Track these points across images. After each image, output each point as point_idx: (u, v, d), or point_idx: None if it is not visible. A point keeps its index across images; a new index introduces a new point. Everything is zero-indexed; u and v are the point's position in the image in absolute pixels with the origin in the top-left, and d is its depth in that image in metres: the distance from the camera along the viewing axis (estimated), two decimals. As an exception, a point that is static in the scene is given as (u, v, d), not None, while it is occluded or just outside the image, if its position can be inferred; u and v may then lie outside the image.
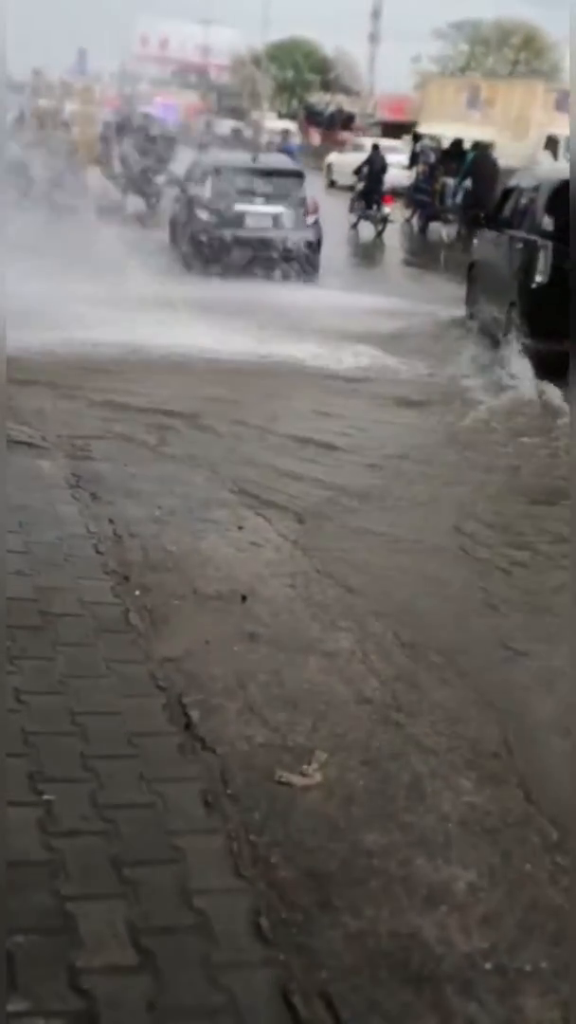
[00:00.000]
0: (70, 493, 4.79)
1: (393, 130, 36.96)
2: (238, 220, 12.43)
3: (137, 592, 3.81)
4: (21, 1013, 1.94)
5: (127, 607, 3.66)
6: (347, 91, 52.04)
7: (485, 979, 2.18)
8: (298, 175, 13.37)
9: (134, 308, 9.31)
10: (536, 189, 8.78)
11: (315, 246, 12.64)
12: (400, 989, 2.13)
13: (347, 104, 47.29)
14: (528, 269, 8.12)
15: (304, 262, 12.35)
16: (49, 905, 2.21)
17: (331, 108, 46.31)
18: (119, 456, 5.46)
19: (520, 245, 8.54)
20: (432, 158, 20.96)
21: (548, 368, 7.24)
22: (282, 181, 12.89)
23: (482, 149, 18.69)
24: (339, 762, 2.84)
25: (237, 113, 46.61)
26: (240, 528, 4.61)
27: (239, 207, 12.49)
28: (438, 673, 3.44)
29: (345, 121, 42.33)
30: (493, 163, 17.64)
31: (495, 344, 8.74)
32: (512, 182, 9.94)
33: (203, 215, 12.60)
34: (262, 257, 12.15)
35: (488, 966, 2.21)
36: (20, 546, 4.06)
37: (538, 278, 7.96)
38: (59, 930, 2.15)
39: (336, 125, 41.96)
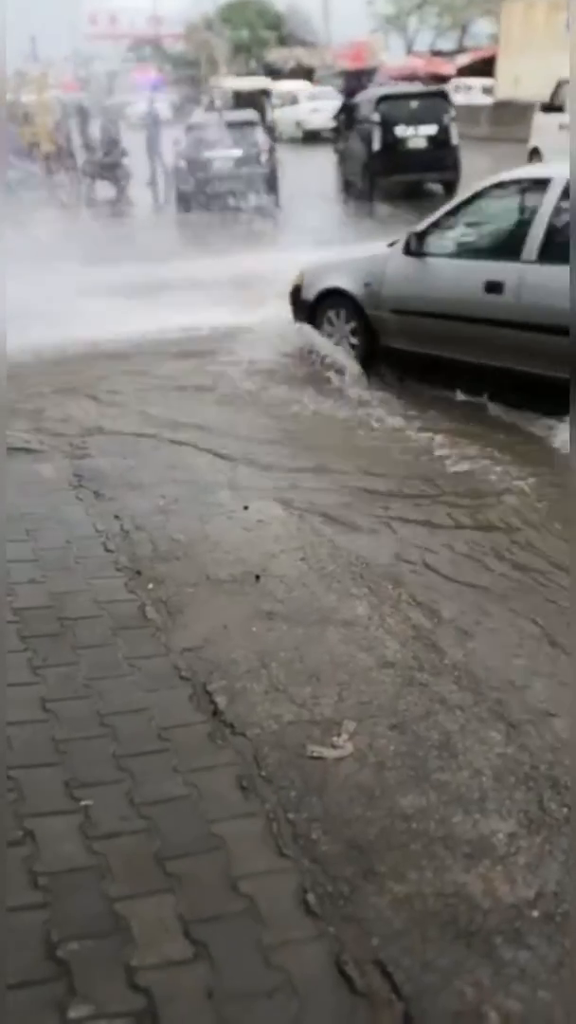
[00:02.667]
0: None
1: (355, 78, 36.37)
2: (207, 164, 16.51)
3: (150, 585, 3.82)
4: (83, 1018, 1.98)
5: (142, 602, 3.68)
6: (304, 44, 51.28)
7: (533, 927, 2.21)
8: (252, 124, 17.28)
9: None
10: (369, 100, 16.97)
11: (270, 176, 16.57)
12: (451, 946, 2.16)
13: (306, 57, 46.62)
14: (369, 143, 16.29)
15: (262, 189, 16.30)
16: (99, 908, 2.25)
17: (290, 64, 45.65)
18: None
19: (364, 132, 16.42)
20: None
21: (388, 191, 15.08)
22: (241, 130, 16.88)
23: None
24: (368, 730, 2.86)
25: (195, 80, 45.96)
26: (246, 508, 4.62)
27: (207, 154, 16.54)
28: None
29: (306, 75, 41.71)
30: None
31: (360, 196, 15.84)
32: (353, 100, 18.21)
33: (182, 164, 16.74)
34: (227, 190, 16.08)
35: (535, 914, 2.23)
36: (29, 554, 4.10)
37: (375, 146, 16.17)
38: (111, 931, 2.18)
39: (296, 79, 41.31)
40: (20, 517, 4.45)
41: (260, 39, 55.90)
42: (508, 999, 2.04)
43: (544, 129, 15.90)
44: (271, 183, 16.51)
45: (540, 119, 16.46)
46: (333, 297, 7.00)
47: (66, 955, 2.12)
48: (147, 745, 2.82)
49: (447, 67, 39.68)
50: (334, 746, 2.80)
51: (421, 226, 6.45)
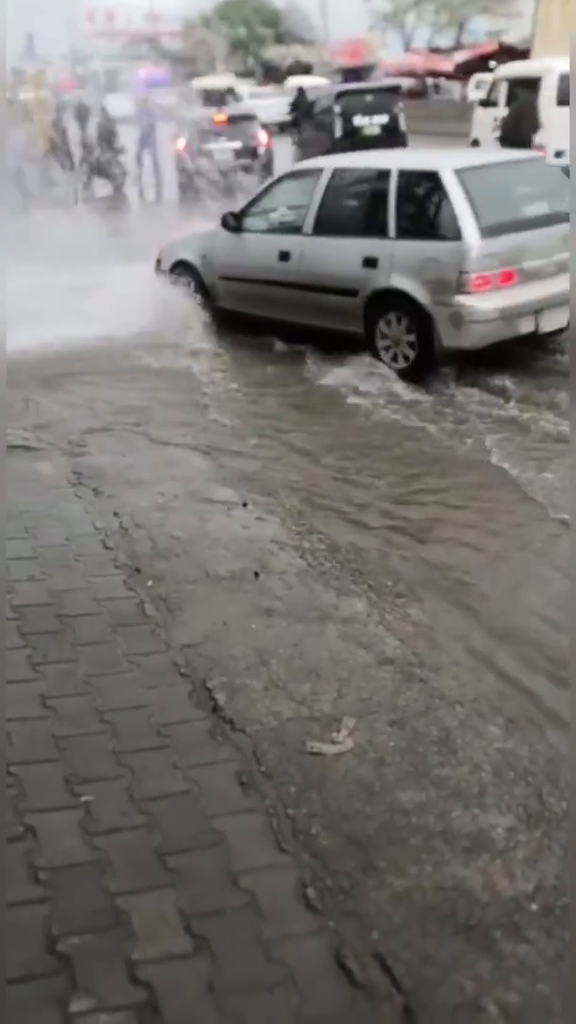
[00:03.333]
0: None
1: (353, 75, 36.36)
2: (208, 155, 17.64)
3: (150, 582, 3.83)
4: (85, 1012, 1.99)
5: (141, 599, 3.69)
6: (302, 41, 51.24)
7: (533, 920, 2.22)
8: (251, 118, 18.69)
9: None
10: (329, 95, 18.49)
11: (266, 166, 17.60)
12: (450, 940, 2.17)
13: (304, 54, 46.59)
14: (331, 131, 17.27)
15: (258, 178, 16.66)
16: (100, 903, 2.26)
17: (288, 61, 45.63)
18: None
19: (326, 122, 17.63)
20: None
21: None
22: (239, 124, 18.20)
23: None
24: (368, 726, 2.87)
25: (193, 78, 45.89)
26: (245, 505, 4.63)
27: (207, 146, 17.72)
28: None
29: (304, 73, 41.66)
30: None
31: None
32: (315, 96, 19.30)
33: (185, 155, 17.81)
34: (225, 180, 16.69)
35: (534, 907, 2.25)
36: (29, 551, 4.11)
37: (337, 134, 17.17)
38: (112, 926, 2.20)
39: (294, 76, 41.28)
40: (19, 515, 4.45)
41: (258, 36, 55.86)
42: (507, 992, 2.05)
43: (482, 123, 17.52)
44: (268, 172, 17.52)
45: (479, 113, 18.01)
46: (181, 267, 8.34)
47: (67, 949, 2.13)
48: (147, 741, 2.83)
49: (445, 64, 39.65)
50: (334, 742, 2.81)
51: (238, 207, 7.94)
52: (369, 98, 18.43)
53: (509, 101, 16.59)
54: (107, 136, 20.23)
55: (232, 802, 2.58)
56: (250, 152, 17.95)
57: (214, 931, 2.18)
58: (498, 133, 15.50)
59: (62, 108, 23.44)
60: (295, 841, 2.43)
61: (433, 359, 6.36)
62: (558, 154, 14.53)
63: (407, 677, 3.13)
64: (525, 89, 15.86)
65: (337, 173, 7.25)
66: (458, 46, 45.08)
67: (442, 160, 6.79)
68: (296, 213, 7.43)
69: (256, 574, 3.89)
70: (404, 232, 6.56)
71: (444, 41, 50.02)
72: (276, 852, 2.40)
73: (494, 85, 17.85)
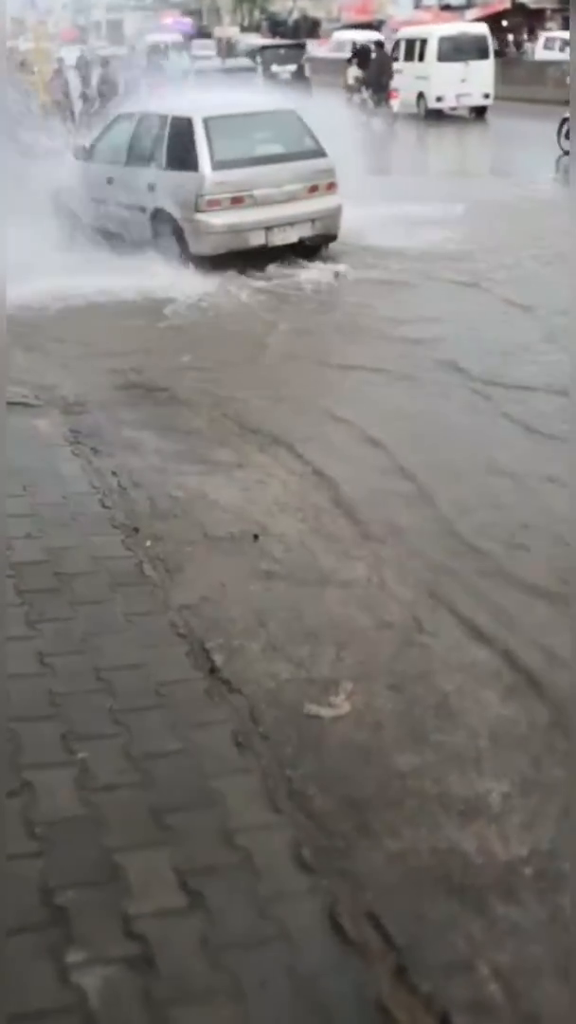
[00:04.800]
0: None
1: (361, 30, 35.69)
2: None
3: (148, 542, 3.82)
4: (80, 963, 2.00)
5: (140, 559, 3.68)
6: (308, -5, 50.17)
7: (526, 883, 2.24)
8: (251, 70, 22.95)
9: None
10: (253, 49, 27.22)
11: None
12: (444, 901, 2.19)
13: (311, 9, 45.73)
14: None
15: None
16: (95, 858, 2.27)
17: (294, 16, 44.82)
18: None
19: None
20: None
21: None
22: (240, 75, 21.29)
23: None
24: (365, 689, 2.88)
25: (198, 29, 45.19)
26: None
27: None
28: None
29: (311, 28, 41.00)
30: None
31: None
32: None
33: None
34: None
35: (528, 871, 2.26)
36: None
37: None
38: (107, 881, 2.21)
39: (301, 33, 40.62)
40: (17, 472, 4.43)
41: (264, -11, 54.79)
42: (499, 953, 2.07)
43: (351, 74, 24.75)
44: None
45: (349, 70, 24.90)
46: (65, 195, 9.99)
47: (63, 902, 2.14)
48: (144, 701, 2.83)
49: (456, 21, 38.93)
50: (331, 705, 2.82)
51: (88, 141, 10.02)
52: (282, 51, 27.14)
53: (406, 57, 22.79)
54: (111, 89, 19.92)
55: (228, 762, 2.58)
56: None
57: (209, 888, 2.19)
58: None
59: (63, 59, 23.10)
60: (291, 802, 2.44)
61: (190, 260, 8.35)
62: (439, 98, 21.98)
63: (407, 641, 3.13)
64: (412, 47, 22.83)
65: (142, 116, 9.34)
66: (470, 4, 44.20)
67: (197, 108, 8.80)
68: (118, 148, 9.40)
69: (255, 536, 3.88)
70: (169, 164, 8.67)
71: (455, -1, 49.06)
72: (271, 812, 2.41)
73: (396, 44, 23.95)
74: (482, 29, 23.66)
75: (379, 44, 25.43)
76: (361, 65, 24.16)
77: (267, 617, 3.28)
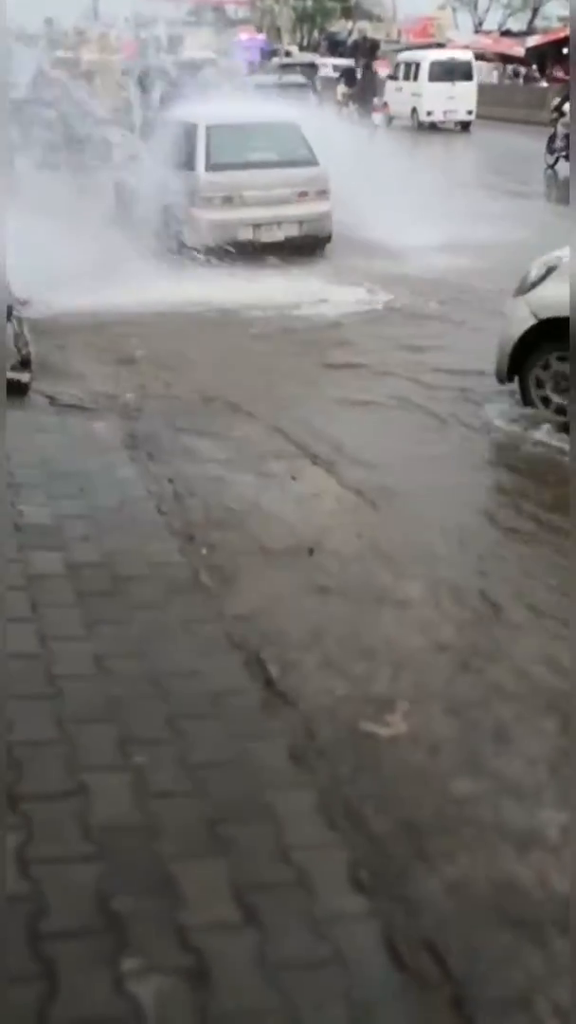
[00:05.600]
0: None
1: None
2: None
3: (204, 551, 3.82)
4: (136, 971, 1.99)
5: (196, 566, 3.68)
6: (369, 17, 50.57)
7: (586, 920, 2.19)
8: (303, 86, 22.29)
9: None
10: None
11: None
12: (502, 933, 2.15)
13: (371, 31, 45.91)
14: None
15: None
16: (150, 867, 2.25)
17: (354, 36, 44.99)
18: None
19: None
20: None
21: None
22: (293, 90, 20.70)
23: None
24: (422, 711, 2.85)
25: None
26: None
27: None
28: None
29: (370, 48, 41.15)
30: None
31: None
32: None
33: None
34: None
35: (588, 907, 2.21)
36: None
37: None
38: (163, 890, 2.19)
39: (360, 53, 40.77)
40: (74, 474, 4.45)
41: (325, 9, 55.19)
42: (558, 989, 2.02)
43: (338, 92, 26.31)
44: None
45: (339, 87, 26.50)
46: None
47: (119, 908, 2.13)
48: (200, 709, 2.82)
49: (516, 47, 39.03)
50: (387, 724, 2.79)
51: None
52: (297, 69, 28.36)
53: (404, 77, 27.12)
54: (169, 99, 20.07)
55: (284, 776, 2.56)
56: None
57: (264, 904, 2.17)
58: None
59: (126, 71, 23.40)
60: (347, 821, 2.41)
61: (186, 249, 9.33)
62: (429, 113, 26.21)
63: (463, 666, 3.10)
64: (408, 69, 27.41)
65: (171, 123, 10.62)
66: (530, 31, 44.23)
67: (204, 116, 10.04)
68: (154, 151, 10.63)
69: (310, 551, 3.87)
70: (178, 164, 9.76)
71: (516, 25, 49.19)
72: (328, 830, 2.39)
73: (397, 66, 28.29)
74: (468, 56, 28.49)
75: (367, 66, 27.53)
76: (348, 84, 26.29)
77: (322, 632, 3.26)
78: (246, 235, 9.45)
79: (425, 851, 2.35)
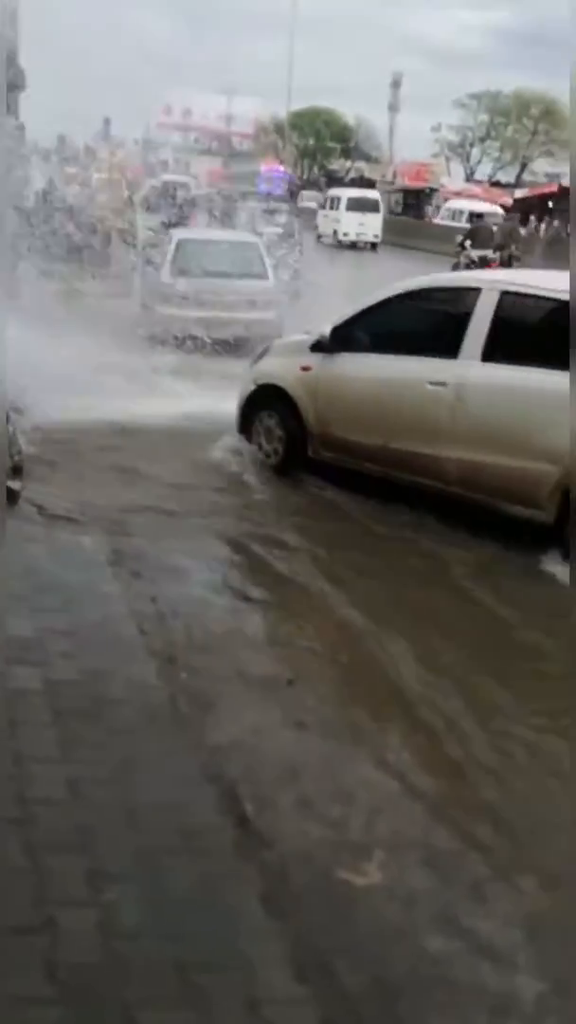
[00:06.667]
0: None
1: (412, 196, 37.67)
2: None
3: (184, 675, 3.81)
4: None
5: (174, 691, 3.66)
6: (367, 158, 53.21)
7: None
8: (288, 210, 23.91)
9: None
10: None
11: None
12: None
13: (367, 171, 48.31)
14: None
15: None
16: (115, 1012, 2.18)
17: (351, 174, 47.28)
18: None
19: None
20: None
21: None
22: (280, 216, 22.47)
23: None
24: (397, 860, 2.82)
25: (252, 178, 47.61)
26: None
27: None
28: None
29: (365, 186, 43.15)
30: None
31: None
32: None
33: None
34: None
35: None
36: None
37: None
38: (126, 1040, 2.12)
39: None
40: (59, 587, 4.46)
41: (325, 148, 58.18)
42: None
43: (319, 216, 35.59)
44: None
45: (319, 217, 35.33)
46: None
47: (80, 1058, 2.05)
48: (173, 844, 2.78)
49: (504, 198, 41.11)
50: (362, 873, 2.75)
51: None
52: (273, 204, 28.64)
53: (330, 207, 35.82)
54: (178, 221, 20.82)
55: (256, 921, 2.51)
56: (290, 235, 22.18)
57: (231, 1061, 2.10)
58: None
59: (131, 190, 24.36)
60: (319, 975, 2.36)
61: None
62: (345, 234, 34.33)
63: (438, 816, 3.08)
64: (333, 202, 36.02)
65: (166, 238, 13.11)
66: (519, 183, 46.70)
67: (176, 233, 12.98)
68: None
69: (289, 681, 3.87)
70: (155, 269, 12.28)
71: (506, 177, 51.92)
72: (298, 984, 2.33)
73: (327, 199, 36.63)
74: (375, 194, 37.04)
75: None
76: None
77: (299, 769, 3.23)
78: (198, 330, 10.68)
79: (398, 1014, 2.30)
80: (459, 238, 22.67)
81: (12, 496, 5.43)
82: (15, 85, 21.25)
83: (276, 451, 6.88)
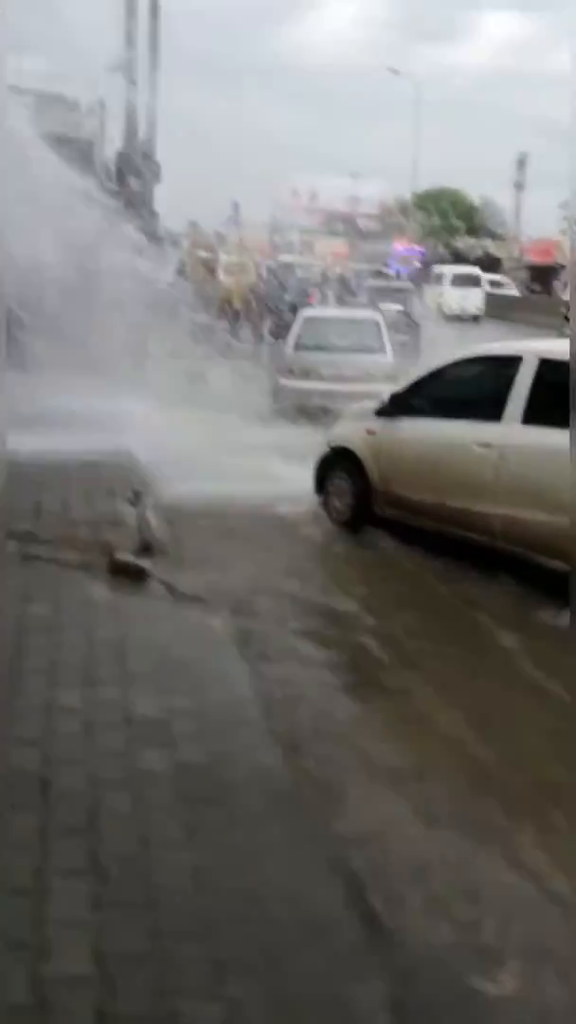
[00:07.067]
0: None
1: (540, 273, 37.65)
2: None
3: (311, 763, 3.77)
4: None
5: (300, 779, 3.62)
6: (493, 236, 53.45)
7: None
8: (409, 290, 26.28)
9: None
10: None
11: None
12: None
13: (493, 248, 48.53)
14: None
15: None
16: None
17: (477, 252, 47.57)
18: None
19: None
20: None
21: None
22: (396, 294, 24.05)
23: None
24: (533, 970, 2.68)
25: (382, 257, 48.44)
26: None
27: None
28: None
29: (492, 264, 43.38)
30: None
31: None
32: None
33: None
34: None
35: None
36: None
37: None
38: None
39: (483, 269, 42.99)
40: (186, 668, 4.51)
41: (451, 227, 58.73)
42: None
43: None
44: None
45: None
46: None
47: None
48: (298, 938, 2.72)
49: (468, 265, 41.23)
50: (495, 981, 2.62)
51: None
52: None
53: (435, 283, 37.52)
54: (298, 300, 21.30)
55: (383, 1028, 2.42)
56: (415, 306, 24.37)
57: None
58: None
59: (260, 274, 25.12)
60: None
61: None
62: (450, 308, 34.53)
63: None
64: (438, 277, 38.10)
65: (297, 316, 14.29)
66: None
67: (303, 311, 14.36)
68: None
69: (419, 775, 3.78)
70: (282, 345, 13.58)
71: None
72: None
73: (435, 275, 38.74)
74: (475, 270, 39.40)
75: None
76: None
77: (430, 867, 3.14)
78: (320, 402, 10.98)
79: None
80: (562, 310, 22.98)
81: (142, 574, 5.58)
82: (153, 178, 22.32)
83: (348, 507, 7.48)
